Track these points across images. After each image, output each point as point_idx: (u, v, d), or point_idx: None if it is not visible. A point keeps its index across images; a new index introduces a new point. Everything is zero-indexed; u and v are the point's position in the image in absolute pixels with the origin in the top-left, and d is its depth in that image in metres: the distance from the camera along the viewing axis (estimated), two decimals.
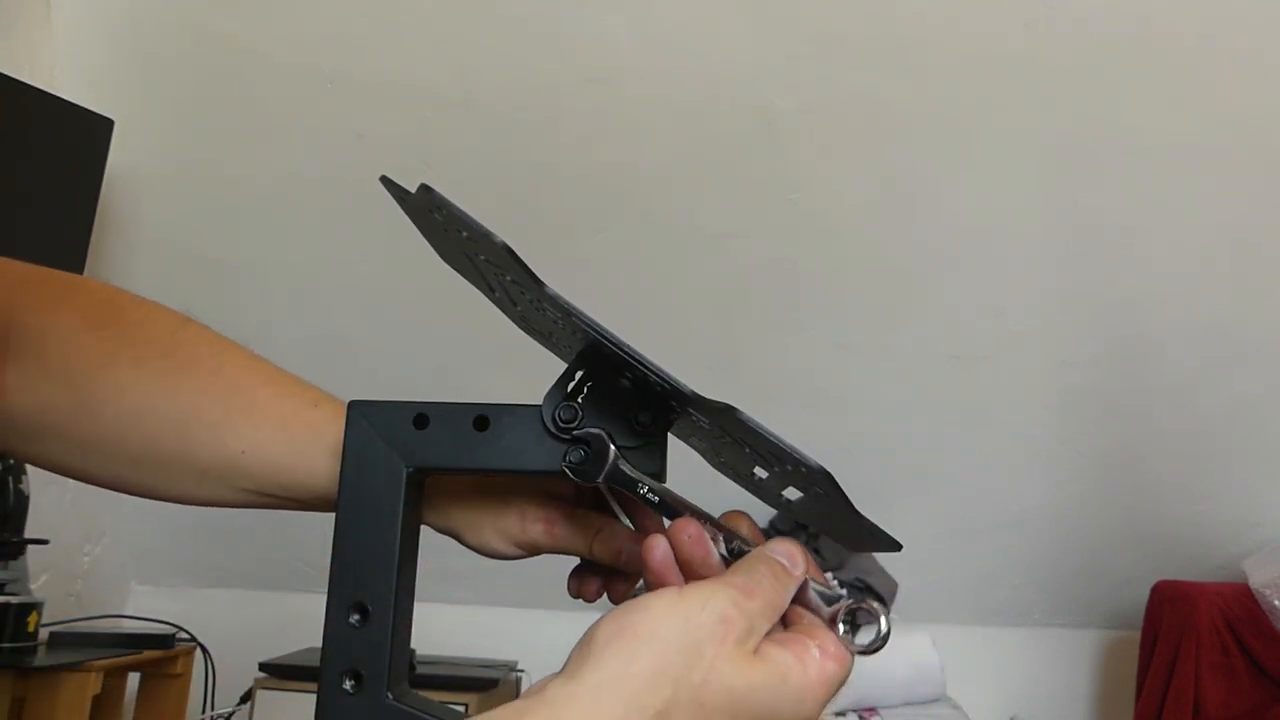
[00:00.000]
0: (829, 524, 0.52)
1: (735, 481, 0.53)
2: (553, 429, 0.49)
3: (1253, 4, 1.77)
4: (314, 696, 0.47)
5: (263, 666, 1.86)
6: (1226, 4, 1.78)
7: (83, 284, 0.56)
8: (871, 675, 2.02)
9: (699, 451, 0.54)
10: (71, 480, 0.57)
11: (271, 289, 2.16)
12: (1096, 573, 2.45)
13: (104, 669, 1.63)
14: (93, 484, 0.56)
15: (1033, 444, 2.30)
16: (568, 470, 0.48)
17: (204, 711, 2.01)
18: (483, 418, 0.50)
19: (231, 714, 2.00)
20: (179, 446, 0.53)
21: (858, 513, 0.45)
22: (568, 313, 0.45)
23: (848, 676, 0.40)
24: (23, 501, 1.69)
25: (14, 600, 1.60)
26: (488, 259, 0.46)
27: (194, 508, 0.57)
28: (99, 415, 0.52)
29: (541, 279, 0.44)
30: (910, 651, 2.07)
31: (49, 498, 1.95)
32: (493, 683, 1.92)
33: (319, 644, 0.49)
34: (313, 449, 0.53)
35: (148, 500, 0.56)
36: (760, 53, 1.86)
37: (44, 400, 0.52)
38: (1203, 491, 2.31)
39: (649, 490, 0.47)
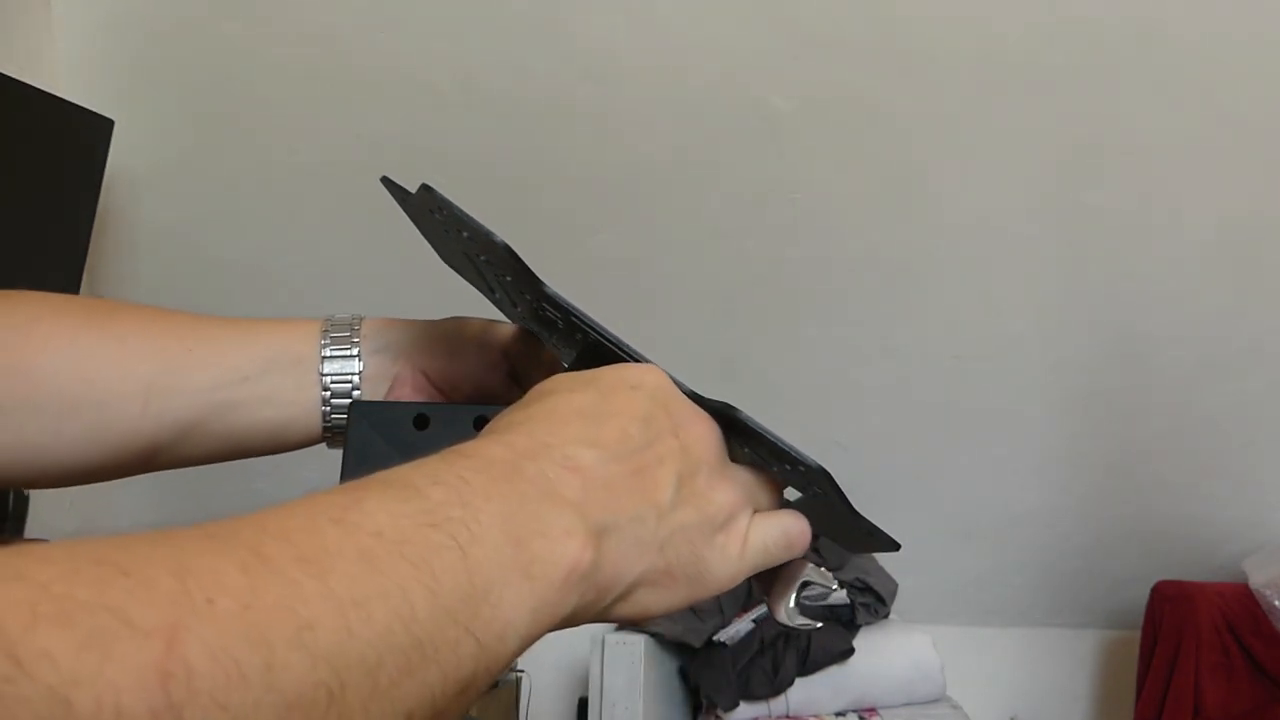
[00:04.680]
0: (828, 524, 0.52)
1: None
2: None
3: (1253, 4, 1.77)
4: None
5: None
6: (1227, 4, 1.77)
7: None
8: (871, 675, 2.02)
9: None
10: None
11: (271, 289, 2.16)
12: (1096, 573, 2.45)
13: None
14: (34, 471, 0.51)
15: (1032, 444, 2.29)
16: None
17: None
18: (482, 418, 0.50)
19: None
20: (119, 360, 0.50)
21: (856, 513, 0.44)
22: (568, 312, 0.45)
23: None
24: (23, 502, 1.69)
25: None
26: (488, 259, 0.46)
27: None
28: (30, 372, 0.50)
29: (541, 278, 0.44)
30: (910, 652, 2.07)
31: (50, 498, 1.95)
32: (493, 683, 1.92)
33: None
34: (274, 331, 0.51)
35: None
36: (760, 52, 1.86)
37: None
38: (1203, 491, 2.31)
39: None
